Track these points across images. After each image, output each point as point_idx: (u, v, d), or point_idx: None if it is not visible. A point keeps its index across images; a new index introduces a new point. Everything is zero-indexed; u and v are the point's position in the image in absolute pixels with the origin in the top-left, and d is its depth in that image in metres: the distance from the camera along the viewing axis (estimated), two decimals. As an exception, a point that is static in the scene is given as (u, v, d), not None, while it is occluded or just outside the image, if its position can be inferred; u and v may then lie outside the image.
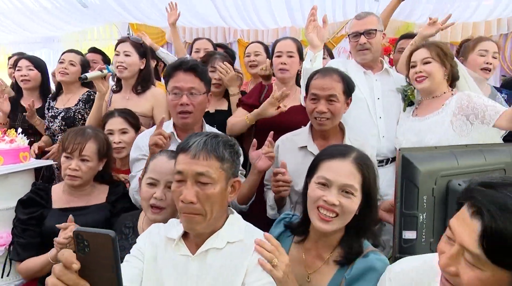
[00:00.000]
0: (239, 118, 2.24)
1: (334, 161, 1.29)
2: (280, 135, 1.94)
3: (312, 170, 1.33)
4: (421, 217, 1.39)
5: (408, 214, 1.38)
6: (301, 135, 1.88)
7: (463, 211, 0.85)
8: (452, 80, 2.08)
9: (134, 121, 2.24)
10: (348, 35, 2.31)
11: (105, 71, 2.34)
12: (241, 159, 1.73)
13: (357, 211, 1.29)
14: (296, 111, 2.21)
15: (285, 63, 2.30)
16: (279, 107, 2.09)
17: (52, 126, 2.69)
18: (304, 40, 4.76)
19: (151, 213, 1.49)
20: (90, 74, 2.32)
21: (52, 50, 5.91)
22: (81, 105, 2.67)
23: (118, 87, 2.56)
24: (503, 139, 2.62)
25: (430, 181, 1.40)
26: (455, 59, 2.11)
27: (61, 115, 2.66)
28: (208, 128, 1.96)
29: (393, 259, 1.40)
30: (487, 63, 2.33)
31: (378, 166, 2.05)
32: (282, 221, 1.46)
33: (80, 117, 2.65)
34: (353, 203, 1.26)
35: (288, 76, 2.33)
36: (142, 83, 2.49)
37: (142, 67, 2.48)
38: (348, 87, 1.79)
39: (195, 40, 3.03)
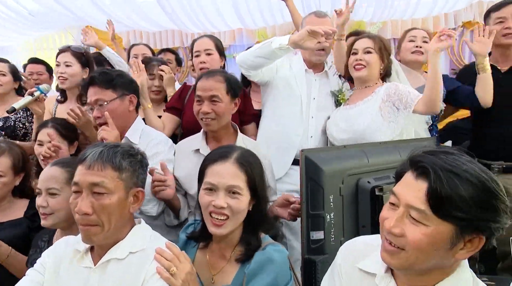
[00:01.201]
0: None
1: (217, 164, 1.31)
2: None
3: (200, 176, 1.35)
4: (328, 217, 1.39)
5: (314, 214, 1.39)
6: (196, 139, 1.89)
7: (406, 177, 0.93)
8: (385, 75, 2.16)
9: (68, 133, 2.18)
10: None
11: (37, 94, 2.25)
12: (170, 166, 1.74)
13: (249, 208, 1.32)
14: None
15: (204, 62, 2.29)
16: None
17: None
18: (260, 41, 4.78)
19: (42, 220, 1.49)
20: (18, 103, 2.20)
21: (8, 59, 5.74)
22: (21, 114, 2.60)
23: (63, 98, 2.51)
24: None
25: (336, 180, 1.41)
26: (391, 56, 2.18)
27: None
28: (142, 132, 1.91)
29: (302, 260, 1.40)
30: (416, 46, 2.43)
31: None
32: (190, 227, 1.47)
33: (21, 126, 2.58)
34: (242, 203, 1.28)
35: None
36: (85, 91, 2.43)
37: (85, 77, 2.42)
38: (233, 88, 1.80)
39: (132, 46, 2.99)
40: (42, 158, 2.02)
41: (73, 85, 2.42)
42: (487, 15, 2.38)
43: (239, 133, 1.89)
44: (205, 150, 1.80)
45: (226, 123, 1.83)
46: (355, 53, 2.10)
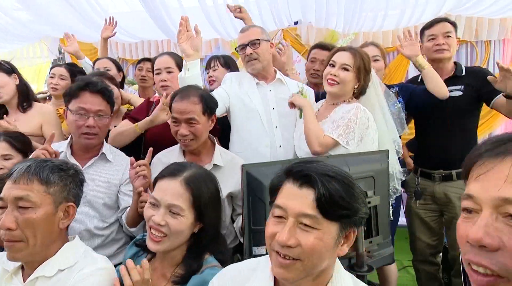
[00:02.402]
0: (125, 127, 2.17)
1: (164, 180, 1.30)
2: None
3: (153, 188, 1.34)
4: (271, 232, 1.38)
5: (257, 230, 1.38)
6: (174, 152, 1.89)
7: (287, 189, 0.96)
8: (359, 94, 2.04)
9: (22, 146, 2.14)
10: (236, 49, 2.34)
11: None
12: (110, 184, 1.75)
13: (195, 230, 1.30)
14: None
15: (165, 80, 2.29)
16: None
17: None
18: (235, 53, 4.79)
19: None
20: None
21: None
22: None
23: (2, 111, 2.48)
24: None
25: (279, 195, 1.40)
26: (372, 71, 2.07)
27: None
28: (109, 147, 1.92)
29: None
30: None
31: None
32: (136, 241, 1.45)
33: None
34: (181, 224, 1.26)
35: (170, 92, 2.31)
36: (23, 97, 2.45)
37: (17, 83, 2.43)
38: (208, 106, 1.81)
39: (96, 60, 2.99)
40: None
41: (10, 96, 2.41)
42: (421, 33, 2.49)
43: (217, 146, 1.90)
44: None
45: (204, 140, 1.84)
46: (332, 66, 1.98)
